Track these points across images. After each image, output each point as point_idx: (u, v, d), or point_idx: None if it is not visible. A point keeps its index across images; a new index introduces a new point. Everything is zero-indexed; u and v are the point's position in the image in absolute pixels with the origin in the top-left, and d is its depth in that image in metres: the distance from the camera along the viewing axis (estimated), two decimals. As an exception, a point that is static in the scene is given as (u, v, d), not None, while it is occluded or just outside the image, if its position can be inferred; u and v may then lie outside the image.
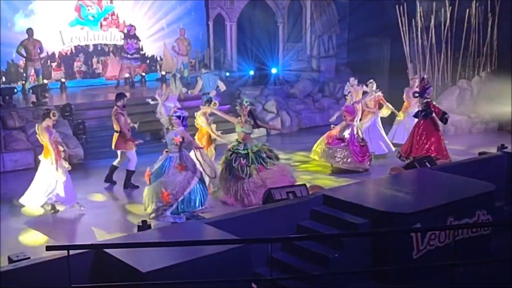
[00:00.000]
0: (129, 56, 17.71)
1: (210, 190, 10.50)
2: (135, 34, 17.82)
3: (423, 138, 12.30)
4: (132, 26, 17.85)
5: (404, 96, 14.31)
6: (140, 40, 18.17)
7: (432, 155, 11.87)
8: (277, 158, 10.57)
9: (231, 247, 6.45)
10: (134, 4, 19.07)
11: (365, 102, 13.51)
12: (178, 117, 9.90)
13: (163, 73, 18.05)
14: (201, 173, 10.09)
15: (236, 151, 10.31)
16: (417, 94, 12.73)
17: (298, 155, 13.91)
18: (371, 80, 13.77)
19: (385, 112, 14.04)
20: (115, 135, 11.45)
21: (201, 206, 9.75)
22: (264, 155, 10.28)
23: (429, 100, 12.47)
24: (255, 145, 10.42)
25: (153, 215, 9.70)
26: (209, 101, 11.49)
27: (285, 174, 10.43)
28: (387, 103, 13.93)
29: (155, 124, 14.52)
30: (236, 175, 10.23)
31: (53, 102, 15.02)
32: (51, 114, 10.10)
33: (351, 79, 14.38)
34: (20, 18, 17.14)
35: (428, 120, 12.38)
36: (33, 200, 10.13)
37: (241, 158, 10.15)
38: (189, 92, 14.94)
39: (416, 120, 12.66)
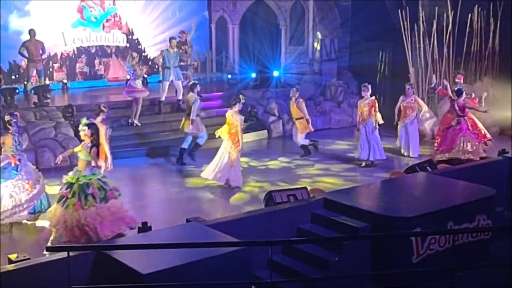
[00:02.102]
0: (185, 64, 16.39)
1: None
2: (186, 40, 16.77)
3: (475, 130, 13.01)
4: (184, 32, 16.66)
5: (399, 104, 14.10)
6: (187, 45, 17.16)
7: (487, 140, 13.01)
8: (106, 200, 8.80)
9: (232, 249, 6.46)
10: (143, 10, 19.12)
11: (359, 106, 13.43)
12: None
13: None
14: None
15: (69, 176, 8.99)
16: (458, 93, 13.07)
17: (299, 158, 13.90)
18: (366, 84, 13.50)
19: (379, 117, 13.76)
20: (186, 120, 12.67)
21: None
22: (89, 192, 8.68)
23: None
24: (87, 176, 8.79)
25: None
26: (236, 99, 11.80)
27: (103, 221, 8.65)
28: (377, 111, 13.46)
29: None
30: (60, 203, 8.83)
31: (54, 103, 15.00)
32: (102, 107, 10.44)
33: (292, 90, 14.09)
34: (18, 18, 17.11)
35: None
36: None
37: (66, 186, 8.79)
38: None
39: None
